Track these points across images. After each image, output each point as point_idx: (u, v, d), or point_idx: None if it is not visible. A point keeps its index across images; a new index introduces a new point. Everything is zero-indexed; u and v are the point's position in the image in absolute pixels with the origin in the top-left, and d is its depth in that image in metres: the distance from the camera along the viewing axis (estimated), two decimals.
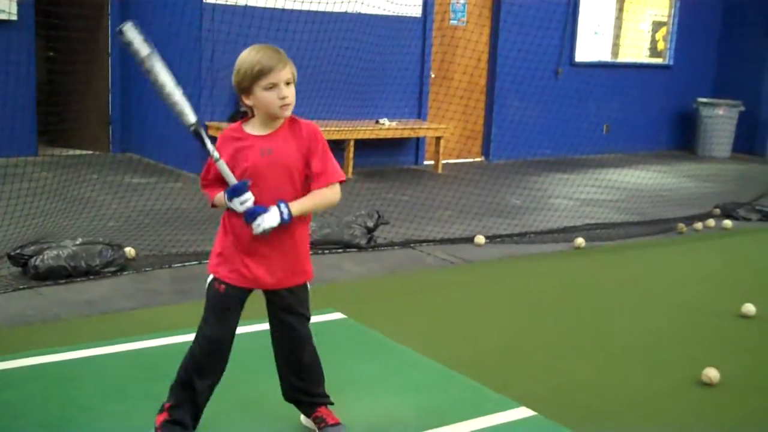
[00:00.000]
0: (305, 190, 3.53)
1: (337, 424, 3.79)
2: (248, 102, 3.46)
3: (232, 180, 3.41)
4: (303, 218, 3.58)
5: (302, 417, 3.91)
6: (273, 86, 3.40)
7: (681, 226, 8.89)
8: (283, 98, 3.43)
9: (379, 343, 5.17)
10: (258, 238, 3.44)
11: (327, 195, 3.51)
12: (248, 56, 3.42)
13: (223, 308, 3.56)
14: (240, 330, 3.66)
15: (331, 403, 3.87)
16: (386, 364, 4.84)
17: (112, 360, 4.66)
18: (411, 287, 6.47)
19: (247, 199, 3.39)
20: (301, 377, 3.76)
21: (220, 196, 3.49)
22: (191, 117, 3.51)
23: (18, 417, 3.94)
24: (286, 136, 3.50)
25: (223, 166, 3.42)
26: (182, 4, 10.52)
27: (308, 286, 3.72)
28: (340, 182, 3.56)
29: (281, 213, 3.39)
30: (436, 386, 4.56)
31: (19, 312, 5.38)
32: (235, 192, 3.39)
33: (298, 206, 3.45)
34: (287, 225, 3.43)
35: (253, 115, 3.52)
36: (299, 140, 3.51)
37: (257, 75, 3.39)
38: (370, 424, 4.04)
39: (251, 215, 3.38)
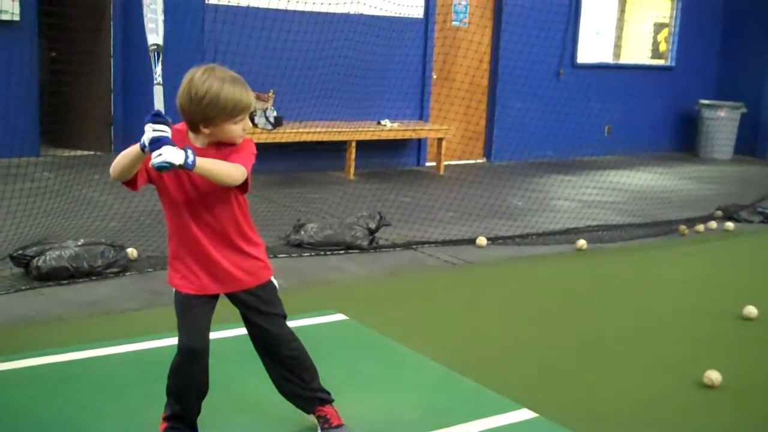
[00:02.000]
0: (240, 206, 3.48)
1: (341, 425, 3.77)
2: (205, 131, 3.30)
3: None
4: (238, 218, 3.48)
5: (306, 415, 3.86)
6: (242, 120, 3.35)
7: (683, 228, 8.88)
8: (246, 130, 3.41)
9: (380, 344, 5.17)
10: (213, 243, 3.42)
11: (231, 168, 3.30)
12: (222, 89, 3.26)
13: (189, 314, 3.49)
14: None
15: (332, 400, 3.84)
16: (388, 366, 4.84)
17: (114, 361, 4.67)
18: (413, 289, 6.47)
19: (164, 131, 3.20)
20: (286, 375, 3.72)
21: (133, 148, 3.25)
22: (156, 38, 3.53)
23: (19, 417, 3.94)
24: (218, 152, 3.37)
25: (160, 95, 3.33)
26: (184, 5, 10.54)
27: (274, 283, 3.66)
28: (245, 185, 3.41)
29: (186, 156, 3.13)
30: (437, 387, 4.56)
31: (21, 313, 5.38)
32: (157, 116, 3.23)
33: (203, 161, 3.20)
34: (190, 169, 3.17)
35: (194, 133, 3.38)
36: (229, 150, 3.40)
37: (237, 112, 3.30)
38: (372, 425, 4.03)
39: (156, 142, 3.17)
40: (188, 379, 3.54)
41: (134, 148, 3.27)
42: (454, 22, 12.66)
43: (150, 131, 3.20)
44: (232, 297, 3.59)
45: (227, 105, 3.27)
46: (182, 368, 3.53)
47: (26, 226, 6.81)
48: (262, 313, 3.62)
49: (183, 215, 3.43)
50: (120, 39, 11.67)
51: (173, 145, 3.16)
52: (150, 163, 3.19)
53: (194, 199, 3.40)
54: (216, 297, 3.55)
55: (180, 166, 3.13)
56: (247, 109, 3.34)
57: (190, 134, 3.42)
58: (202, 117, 3.29)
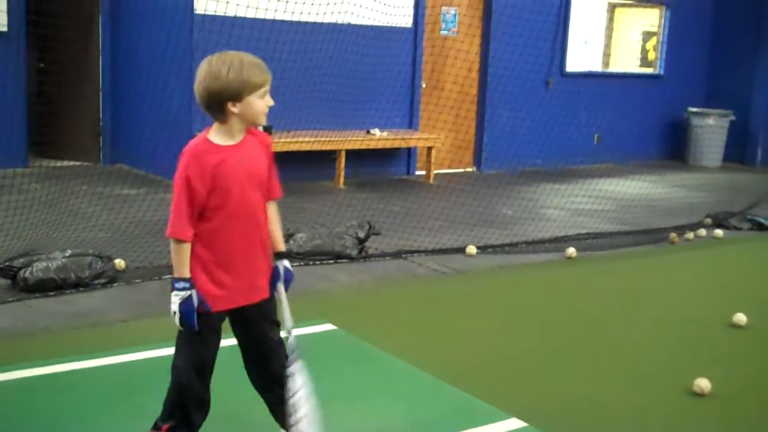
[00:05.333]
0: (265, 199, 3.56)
1: None
2: (234, 110, 3.34)
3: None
4: (268, 230, 3.58)
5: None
6: (265, 94, 3.40)
7: (672, 235, 8.89)
8: (269, 106, 3.44)
9: (370, 354, 5.15)
10: (246, 259, 3.48)
11: (278, 215, 3.64)
12: (243, 62, 3.34)
13: (209, 333, 3.51)
14: (222, 342, 3.63)
15: None
16: (377, 375, 4.83)
17: (101, 372, 4.64)
18: (402, 298, 6.46)
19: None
20: (271, 386, 3.69)
21: (184, 261, 3.37)
22: None
23: (6, 429, 3.91)
24: (251, 145, 3.47)
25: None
26: (173, 15, 10.53)
27: None
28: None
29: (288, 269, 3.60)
30: (427, 397, 4.55)
31: (7, 324, 5.35)
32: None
33: (283, 245, 3.63)
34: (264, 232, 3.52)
35: (223, 123, 3.40)
36: (263, 149, 3.52)
37: (260, 83, 3.36)
38: None
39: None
40: (201, 391, 3.55)
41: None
42: (442, 31, 12.67)
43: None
44: (251, 306, 3.57)
45: (251, 75, 3.33)
46: (195, 383, 3.52)
47: (13, 237, 6.77)
48: (269, 321, 3.63)
49: (242, 224, 3.44)
50: (108, 49, 11.64)
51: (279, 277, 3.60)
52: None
53: (255, 204, 3.46)
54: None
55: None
56: (267, 81, 3.39)
57: (213, 137, 3.43)
58: (230, 94, 3.32)
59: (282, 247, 3.66)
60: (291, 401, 3.51)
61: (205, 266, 3.43)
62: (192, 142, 3.44)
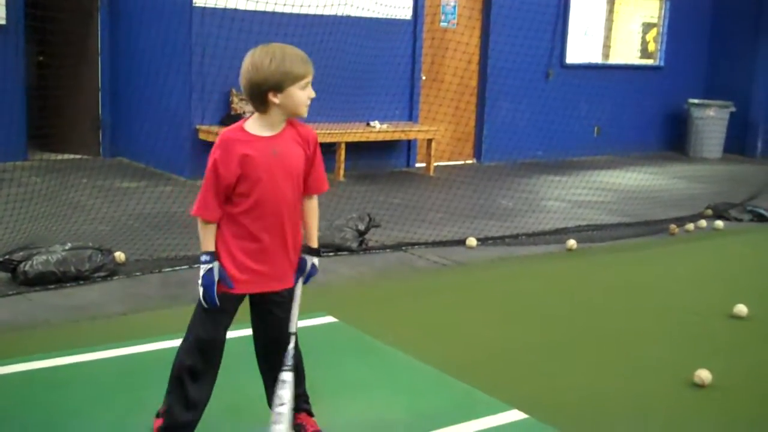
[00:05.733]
0: (301, 191, 3.57)
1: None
2: (275, 100, 3.37)
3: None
4: (299, 223, 3.61)
5: None
6: (307, 85, 3.44)
7: (673, 227, 8.88)
8: (311, 97, 3.48)
9: (370, 346, 5.14)
10: (274, 245, 3.51)
11: (317, 210, 3.68)
12: (285, 56, 3.37)
13: (220, 311, 3.54)
14: (229, 334, 3.63)
15: (312, 413, 3.82)
16: (378, 368, 4.82)
17: (101, 366, 4.63)
18: (403, 290, 6.45)
19: None
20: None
21: (210, 238, 3.46)
22: None
23: (6, 423, 3.91)
24: (290, 138, 3.50)
25: None
26: (171, 8, 10.51)
27: None
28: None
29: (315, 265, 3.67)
30: (427, 389, 4.54)
31: (7, 318, 5.34)
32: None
33: (316, 241, 3.68)
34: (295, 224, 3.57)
35: (264, 113, 3.44)
36: (304, 143, 3.54)
37: (301, 74, 3.39)
38: (362, 428, 4.02)
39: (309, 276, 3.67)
40: (206, 374, 3.56)
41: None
42: (442, 23, 12.64)
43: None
44: (268, 293, 3.59)
45: (293, 67, 3.38)
46: (197, 365, 3.53)
47: (13, 231, 6.76)
48: (287, 310, 3.65)
49: (269, 213, 3.46)
50: (108, 42, 11.63)
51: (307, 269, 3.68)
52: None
53: (285, 196, 3.48)
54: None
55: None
56: (309, 73, 3.44)
57: (249, 127, 3.46)
58: (271, 84, 3.36)
59: (314, 243, 3.69)
60: (277, 410, 3.53)
61: (228, 249, 3.48)
62: (228, 128, 3.51)
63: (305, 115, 3.51)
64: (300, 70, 3.39)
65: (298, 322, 3.68)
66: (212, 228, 3.45)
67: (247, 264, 3.47)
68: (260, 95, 3.39)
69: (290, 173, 3.48)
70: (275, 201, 3.45)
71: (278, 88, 3.37)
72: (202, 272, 3.43)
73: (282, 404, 3.53)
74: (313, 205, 3.67)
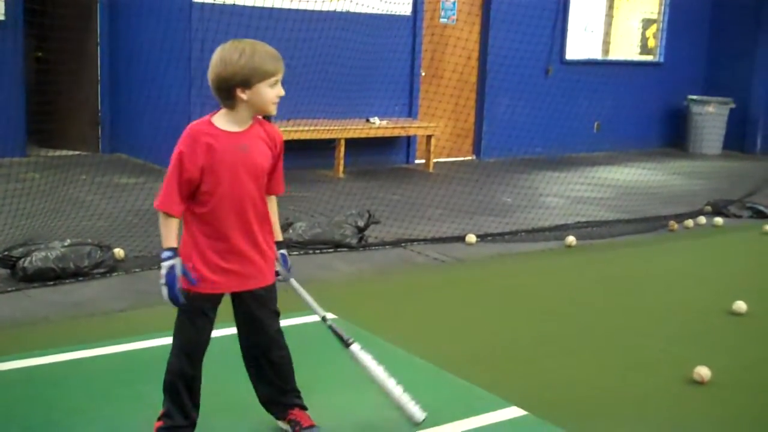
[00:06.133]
0: (264, 189, 3.55)
1: (312, 426, 3.76)
2: (243, 96, 3.34)
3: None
4: (268, 221, 3.59)
5: (279, 422, 3.86)
6: (276, 83, 3.41)
7: (672, 223, 8.88)
8: (279, 96, 3.44)
9: (369, 342, 5.10)
10: (242, 243, 3.49)
11: (276, 207, 3.69)
12: (255, 52, 3.34)
13: (201, 315, 3.54)
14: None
15: (305, 407, 3.83)
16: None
17: (100, 362, 4.63)
18: (402, 287, 6.45)
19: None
20: (269, 378, 3.73)
21: (172, 234, 3.40)
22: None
23: (5, 420, 3.91)
24: (257, 136, 3.48)
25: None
26: (171, 4, 10.50)
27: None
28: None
29: (284, 258, 3.70)
30: (426, 386, 4.53)
31: (7, 314, 5.34)
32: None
33: (279, 235, 3.69)
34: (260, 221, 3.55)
35: (231, 109, 3.41)
36: (270, 143, 3.52)
37: (270, 72, 3.36)
38: (361, 425, 4.02)
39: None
40: (193, 377, 3.57)
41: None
42: (442, 19, 12.63)
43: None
44: (245, 293, 3.58)
45: (262, 64, 3.34)
46: (186, 365, 3.54)
47: (12, 227, 6.76)
48: (269, 309, 3.65)
49: (236, 210, 3.44)
50: (107, 38, 11.62)
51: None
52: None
53: (250, 193, 3.46)
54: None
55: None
56: (279, 71, 3.40)
57: (217, 121, 3.44)
58: (239, 79, 3.33)
59: (280, 236, 3.70)
60: (373, 375, 3.75)
61: (199, 249, 3.45)
62: (193, 122, 3.47)
63: (273, 113, 3.49)
64: (269, 67, 3.36)
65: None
66: (175, 223, 3.40)
67: (219, 264, 3.46)
68: (227, 90, 3.36)
69: (255, 171, 3.46)
70: (240, 197, 3.43)
71: (246, 84, 3.34)
72: (164, 270, 3.37)
73: (375, 370, 3.76)
74: (274, 204, 3.67)
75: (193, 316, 3.50)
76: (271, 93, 3.40)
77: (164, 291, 3.38)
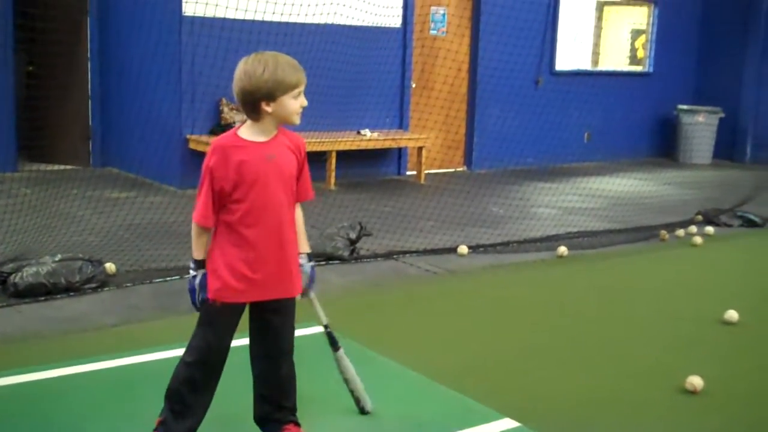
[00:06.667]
0: (294, 197, 3.62)
1: None
2: (267, 109, 3.40)
3: None
4: (295, 230, 3.66)
5: None
6: (299, 94, 3.47)
7: (663, 233, 8.90)
8: (303, 106, 3.51)
9: (362, 355, 5.13)
10: (273, 255, 3.54)
11: (302, 217, 3.75)
12: (278, 65, 3.39)
13: (223, 320, 3.58)
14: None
15: (299, 424, 3.81)
16: (369, 377, 4.79)
17: (92, 378, 4.61)
18: (394, 299, 6.45)
19: None
20: (272, 393, 3.72)
21: (202, 246, 3.52)
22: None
23: None
24: (282, 144, 3.54)
25: None
26: (161, 18, 10.50)
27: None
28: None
29: (312, 271, 3.79)
30: (419, 398, 4.54)
31: None
32: None
33: (306, 246, 3.76)
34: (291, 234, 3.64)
35: (256, 121, 3.47)
36: (295, 150, 3.58)
37: (295, 83, 3.43)
38: None
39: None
40: (206, 386, 3.58)
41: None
42: (432, 31, 12.66)
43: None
44: (267, 302, 3.60)
45: (285, 77, 3.40)
46: (197, 375, 3.55)
47: (3, 243, 6.74)
48: (288, 322, 3.69)
49: (265, 219, 3.49)
50: (97, 52, 11.62)
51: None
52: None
53: (280, 201, 3.52)
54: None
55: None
56: (301, 82, 3.48)
57: (242, 133, 3.49)
58: (264, 93, 3.39)
59: (306, 247, 3.75)
60: (346, 377, 4.17)
61: (226, 258, 3.49)
62: (221, 136, 3.54)
63: (297, 123, 3.54)
64: (293, 79, 3.42)
65: (295, 333, 3.71)
66: (206, 236, 3.49)
67: (244, 273, 3.48)
68: (253, 103, 3.41)
69: (284, 179, 3.51)
70: (271, 206, 3.48)
71: (270, 97, 3.39)
72: (190, 276, 3.53)
73: (347, 378, 4.14)
74: (299, 212, 3.72)
75: (216, 324, 3.53)
76: (295, 104, 3.47)
77: (192, 297, 3.55)
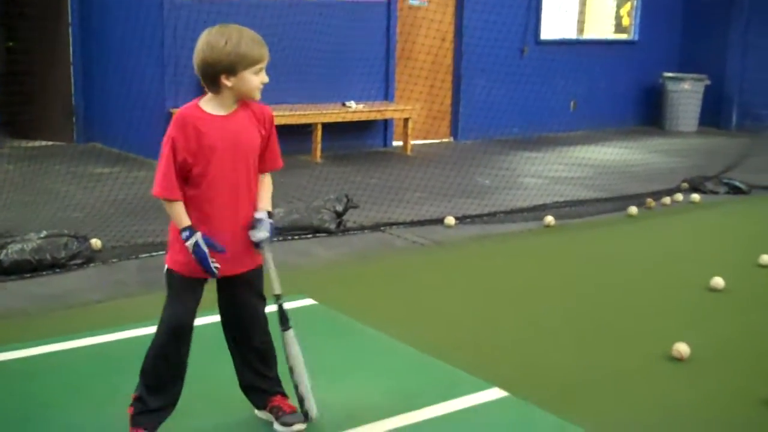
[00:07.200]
0: (256, 168, 3.57)
1: (294, 411, 3.76)
2: (227, 83, 3.36)
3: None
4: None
5: (256, 411, 3.86)
6: (260, 70, 3.42)
7: (649, 201, 8.92)
8: (264, 82, 3.46)
9: (350, 328, 5.14)
10: (228, 230, 3.48)
11: (270, 184, 3.68)
12: (242, 39, 3.35)
13: (185, 293, 3.51)
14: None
15: (286, 395, 3.81)
16: (357, 349, 4.82)
17: (77, 354, 4.60)
18: (382, 271, 6.45)
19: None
20: (252, 363, 3.72)
21: (181, 216, 3.41)
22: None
23: None
24: (244, 117, 3.49)
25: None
26: None
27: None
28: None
29: (271, 226, 3.57)
30: (407, 370, 4.55)
31: None
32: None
33: (269, 206, 3.62)
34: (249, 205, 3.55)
35: (216, 94, 3.42)
36: (259, 122, 3.54)
37: (257, 59, 3.38)
38: (343, 410, 4.01)
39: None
40: (174, 360, 3.54)
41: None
42: (411, 1, 12.58)
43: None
44: (232, 276, 3.57)
45: (247, 53, 3.36)
46: (169, 348, 3.52)
47: None
48: (255, 293, 3.66)
49: (226, 193, 3.45)
50: (78, 27, 11.49)
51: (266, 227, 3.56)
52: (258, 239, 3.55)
53: (241, 175, 3.48)
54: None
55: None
56: (264, 58, 3.42)
57: (204, 105, 3.45)
58: (224, 66, 3.35)
59: (268, 207, 3.63)
60: (291, 365, 3.71)
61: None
62: (183, 107, 3.48)
63: (258, 98, 3.50)
64: (255, 54, 3.38)
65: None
66: (179, 205, 3.41)
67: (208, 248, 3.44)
68: (212, 76, 3.38)
69: (245, 152, 3.48)
70: (231, 180, 3.45)
71: (231, 71, 3.35)
72: (190, 249, 3.38)
73: (293, 367, 3.71)
74: (267, 179, 3.66)
75: (181, 293, 3.50)
76: (255, 80, 3.42)
77: (202, 267, 3.42)
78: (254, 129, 3.52)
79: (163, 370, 3.54)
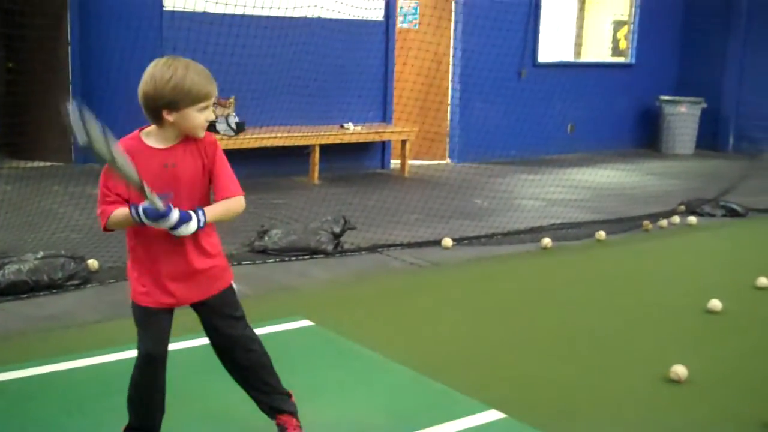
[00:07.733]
0: (206, 202, 3.43)
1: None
2: (169, 118, 3.25)
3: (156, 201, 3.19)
4: (211, 230, 3.48)
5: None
6: (206, 108, 3.32)
7: (646, 223, 8.92)
8: (208, 120, 3.36)
9: (347, 349, 5.13)
10: (170, 261, 3.38)
11: (232, 205, 3.42)
12: (187, 74, 3.24)
13: (149, 323, 3.44)
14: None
15: (293, 412, 3.77)
16: (355, 370, 4.81)
17: (74, 375, 4.59)
18: (379, 292, 6.44)
19: (172, 217, 3.22)
20: (246, 380, 3.70)
21: (124, 212, 3.28)
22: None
23: None
24: (185, 150, 3.36)
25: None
26: (141, 12, 10.44)
27: (234, 286, 3.62)
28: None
29: (198, 220, 3.28)
30: (405, 391, 4.53)
31: None
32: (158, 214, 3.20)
33: (210, 213, 3.35)
34: (198, 232, 3.33)
35: (158, 126, 3.33)
36: (200, 153, 3.38)
37: (203, 96, 3.27)
38: (340, 431, 4.00)
39: (177, 224, 3.24)
40: (150, 388, 3.51)
41: (128, 216, 3.28)
42: (402, 24, 12.66)
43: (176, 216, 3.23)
44: (201, 304, 3.53)
45: (192, 89, 3.24)
46: (144, 376, 3.49)
47: None
48: (225, 315, 3.57)
49: (164, 233, 3.31)
50: (78, 47, 11.52)
51: (189, 218, 3.27)
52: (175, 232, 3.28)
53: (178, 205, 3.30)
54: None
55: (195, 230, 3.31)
56: (210, 96, 3.31)
57: (150, 135, 3.37)
58: (166, 102, 3.24)
59: (209, 211, 3.40)
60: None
61: (134, 262, 3.44)
62: (126, 136, 3.39)
63: (201, 136, 3.36)
64: (201, 91, 3.26)
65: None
66: (117, 211, 3.30)
67: (162, 285, 3.40)
68: (154, 110, 3.28)
69: (184, 186, 3.34)
70: None
71: (174, 106, 3.25)
72: (142, 217, 3.19)
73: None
74: (229, 201, 3.43)
75: (145, 323, 3.44)
76: (199, 117, 3.30)
77: (190, 226, 3.26)
78: (197, 161, 3.37)
79: (144, 399, 3.54)
